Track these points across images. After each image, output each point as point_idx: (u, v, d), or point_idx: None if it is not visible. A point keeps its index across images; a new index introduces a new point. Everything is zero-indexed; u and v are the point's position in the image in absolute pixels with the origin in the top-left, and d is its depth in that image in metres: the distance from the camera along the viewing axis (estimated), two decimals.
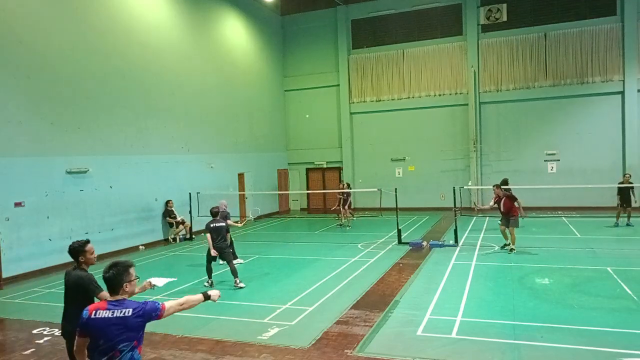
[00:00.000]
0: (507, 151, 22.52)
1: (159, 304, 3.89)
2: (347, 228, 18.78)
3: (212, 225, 10.53)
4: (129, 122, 15.60)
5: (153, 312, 3.86)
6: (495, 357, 6.26)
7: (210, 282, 10.56)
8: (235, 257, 12.37)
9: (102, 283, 4.07)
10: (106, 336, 3.67)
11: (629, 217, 16.29)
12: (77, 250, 4.98)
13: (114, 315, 3.70)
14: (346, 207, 19.19)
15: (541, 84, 21.98)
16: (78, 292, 4.92)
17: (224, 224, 10.71)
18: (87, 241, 5.09)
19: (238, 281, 10.27)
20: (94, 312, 3.71)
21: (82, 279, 4.93)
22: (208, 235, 10.43)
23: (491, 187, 14.23)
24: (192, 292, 10.17)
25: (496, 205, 13.20)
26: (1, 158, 11.72)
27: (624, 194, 16.04)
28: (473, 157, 22.67)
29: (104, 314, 3.70)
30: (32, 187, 12.35)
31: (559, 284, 9.65)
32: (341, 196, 19.33)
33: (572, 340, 6.66)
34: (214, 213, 10.81)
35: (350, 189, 21.00)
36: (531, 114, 22.13)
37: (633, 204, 16.07)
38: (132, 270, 3.84)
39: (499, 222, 13.44)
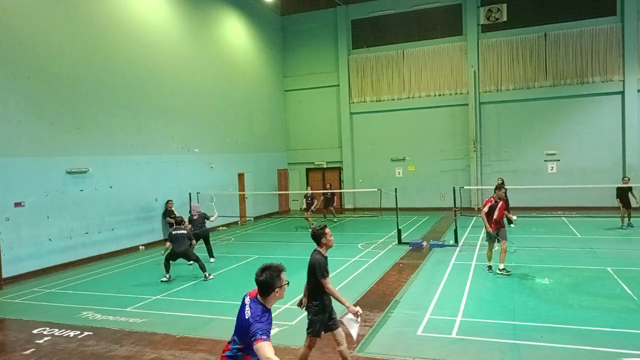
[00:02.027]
0: (507, 151, 22.52)
1: (260, 335, 3.52)
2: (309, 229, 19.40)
3: (174, 233, 11.02)
4: (129, 122, 15.60)
5: (251, 336, 3.55)
6: (495, 357, 6.25)
7: (168, 276, 11.03)
8: (212, 256, 13.14)
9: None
10: (235, 327, 3.83)
11: (629, 217, 16.23)
12: (319, 234, 5.62)
13: (244, 311, 3.73)
14: (330, 207, 20.32)
15: (541, 84, 21.98)
16: (311, 272, 5.59)
17: (185, 232, 11.19)
18: (325, 226, 5.74)
19: (207, 274, 11.02)
20: (246, 298, 3.85)
21: (314, 261, 5.55)
22: (168, 243, 10.99)
23: (493, 188, 14.05)
24: (191, 292, 10.20)
25: (487, 210, 10.74)
26: (1, 158, 11.72)
27: (624, 196, 15.98)
28: (473, 157, 22.67)
29: (245, 305, 3.77)
30: (32, 187, 12.36)
31: (559, 284, 9.65)
32: (323, 196, 20.48)
33: (572, 340, 6.66)
34: (178, 222, 11.35)
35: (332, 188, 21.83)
36: (531, 114, 22.13)
37: (633, 205, 16.06)
38: (283, 275, 3.77)
39: (486, 239, 11.02)
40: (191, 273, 11.80)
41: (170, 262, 11.15)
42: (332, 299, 5.63)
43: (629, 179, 16.81)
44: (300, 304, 5.99)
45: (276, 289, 3.71)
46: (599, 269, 10.65)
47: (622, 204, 15.95)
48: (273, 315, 8.75)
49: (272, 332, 7.71)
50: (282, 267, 3.79)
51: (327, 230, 5.71)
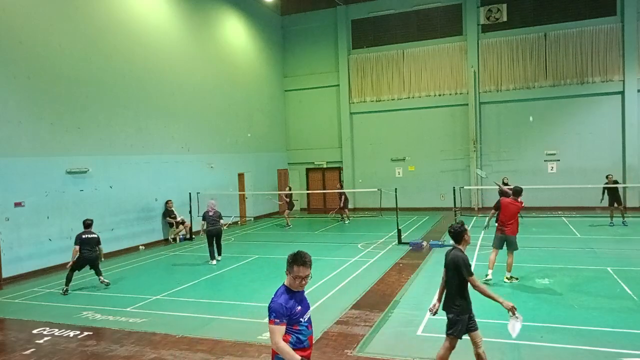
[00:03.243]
0: (507, 151, 22.52)
1: (271, 317, 3.77)
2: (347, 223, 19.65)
3: (83, 236, 10.49)
4: (129, 122, 15.60)
5: (270, 313, 3.80)
6: (495, 357, 6.25)
7: (66, 289, 10.28)
8: (220, 254, 13.20)
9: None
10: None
11: (622, 215, 16.82)
12: (461, 232, 5.53)
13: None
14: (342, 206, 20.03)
15: (541, 84, 21.99)
16: (454, 270, 5.41)
17: (95, 236, 10.70)
18: (463, 222, 5.72)
19: (102, 278, 10.62)
20: None
21: (459, 259, 5.40)
22: (76, 247, 10.32)
23: (495, 187, 13.99)
24: (191, 292, 10.20)
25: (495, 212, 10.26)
26: (1, 158, 11.72)
27: (612, 193, 16.60)
28: (473, 157, 22.67)
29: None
30: (32, 187, 12.35)
31: (559, 284, 9.65)
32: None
33: (572, 340, 6.66)
34: (87, 225, 10.77)
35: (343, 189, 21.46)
36: (531, 114, 22.11)
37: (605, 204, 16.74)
38: (295, 267, 3.84)
39: (493, 245, 10.08)
40: (191, 273, 11.80)
41: (75, 272, 10.41)
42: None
43: (613, 176, 17.34)
44: (432, 310, 5.71)
45: (287, 273, 3.88)
46: (599, 269, 10.65)
47: (610, 201, 16.59)
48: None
49: None
50: (300, 259, 3.84)
51: (467, 227, 5.64)
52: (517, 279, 9.85)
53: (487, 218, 10.73)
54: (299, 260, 3.81)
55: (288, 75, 26.01)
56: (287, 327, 3.79)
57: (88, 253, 10.41)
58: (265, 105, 24.24)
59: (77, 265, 10.44)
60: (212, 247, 12.94)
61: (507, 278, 9.79)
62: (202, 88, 19.28)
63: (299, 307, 3.85)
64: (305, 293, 4.10)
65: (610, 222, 16.67)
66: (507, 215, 9.78)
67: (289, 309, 3.78)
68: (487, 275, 9.76)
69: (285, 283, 3.92)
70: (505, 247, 9.86)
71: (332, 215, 21.61)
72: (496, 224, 10.19)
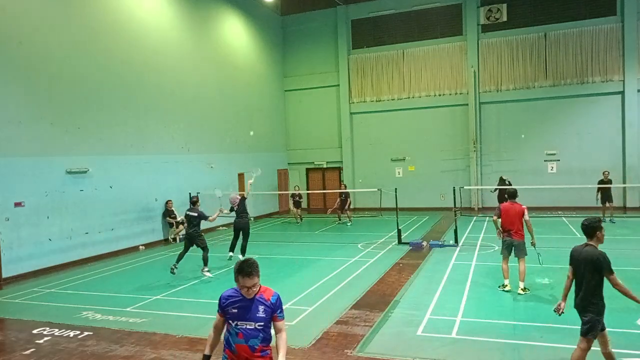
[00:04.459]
0: (507, 151, 22.52)
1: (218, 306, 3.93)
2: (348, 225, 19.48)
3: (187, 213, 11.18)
4: (129, 122, 15.59)
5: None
6: (495, 357, 6.26)
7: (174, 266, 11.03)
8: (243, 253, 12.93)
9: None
10: None
11: (611, 214, 17.55)
12: (596, 227, 5.22)
13: None
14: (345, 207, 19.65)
15: (541, 84, 21.99)
16: (592, 268, 5.10)
17: (195, 214, 11.24)
18: (600, 219, 5.35)
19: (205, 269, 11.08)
20: None
21: (598, 256, 5.09)
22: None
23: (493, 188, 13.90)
24: (191, 292, 10.20)
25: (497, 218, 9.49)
26: (1, 158, 11.72)
27: (604, 191, 17.29)
28: (473, 157, 22.67)
29: None
30: (32, 187, 12.35)
31: (559, 284, 9.63)
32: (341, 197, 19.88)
33: (572, 340, 6.61)
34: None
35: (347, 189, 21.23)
36: (531, 114, 22.13)
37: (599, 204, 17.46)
38: (240, 277, 3.75)
39: (501, 253, 9.66)
40: (191, 273, 11.79)
41: None
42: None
43: (609, 173, 17.99)
44: (558, 309, 5.47)
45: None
46: None
47: (602, 199, 17.44)
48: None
49: (273, 331, 7.73)
50: (244, 270, 3.73)
51: (603, 224, 5.34)
52: (528, 290, 9.20)
53: (497, 230, 9.63)
54: (243, 271, 3.72)
55: (288, 75, 26.01)
56: (226, 321, 3.85)
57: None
58: (265, 105, 24.24)
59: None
60: (236, 240, 12.88)
61: (521, 289, 9.07)
62: (202, 88, 19.28)
63: (235, 310, 3.77)
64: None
65: (603, 219, 16.92)
66: (508, 219, 9.21)
67: (224, 302, 3.83)
68: (505, 286, 9.27)
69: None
70: (513, 254, 9.31)
71: (339, 219, 20.63)
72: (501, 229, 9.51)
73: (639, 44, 20.54)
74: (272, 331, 3.91)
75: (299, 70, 25.77)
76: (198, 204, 11.75)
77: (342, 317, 8.07)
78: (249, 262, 3.76)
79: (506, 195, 9.94)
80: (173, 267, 11.13)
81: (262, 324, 3.80)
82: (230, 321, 3.79)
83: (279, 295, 3.96)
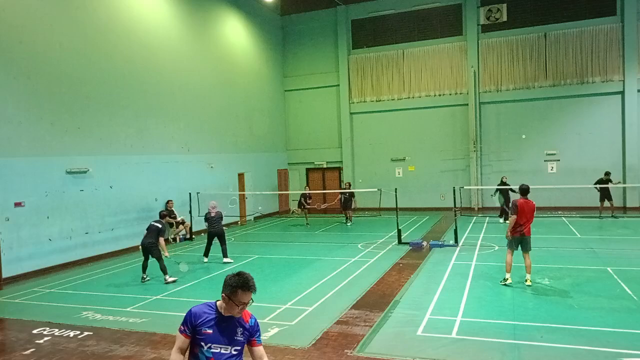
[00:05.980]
0: (507, 151, 22.51)
1: (182, 322, 3.35)
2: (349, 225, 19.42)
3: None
4: (129, 122, 15.59)
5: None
6: (495, 357, 6.25)
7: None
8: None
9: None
10: None
11: (612, 211, 18.34)
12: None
13: None
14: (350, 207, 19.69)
15: (541, 84, 21.99)
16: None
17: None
18: None
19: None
20: None
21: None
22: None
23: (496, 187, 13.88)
24: (191, 292, 10.20)
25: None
26: (1, 158, 11.71)
27: (604, 190, 18.11)
28: (473, 157, 22.67)
29: None
30: (32, 187, 12.35)
31: (559, 284, 9.65)
32: (343, 196, 19.85)
33: (572, 340, 6.66)
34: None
35: (351, 188, 21.15)
36: (531, 114, 22.13)
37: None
38: (240, 292, 3.29)
39: (508, 246, 9.64)
40: (191, 274, 11.80)
41: None
42: None
43: (610, 173, 18.67)
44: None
45: (226, 296, 3.28)
46: (599, 269, 10.65)
47: (602, 197, 18.21)
48: (273, 315, 8.75)
49: (273, 332, 7.73)
50: (247, 283, 3.26)
51: None
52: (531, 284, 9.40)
53: (509, 227, 9.47)
54: (245, 285, 3.22)
55: (288, 75, 26.01)
56: (192, 343, 3.30)
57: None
58: (265, 105, 24.24)
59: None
60: (210, 246, 12.99)
61: (530, 281, 9.35)
62: (202, 88, 19.28)
63: (209, 331, 3.26)
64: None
65: (600, 217, 18.01)
66: (524, 216, 9.26)
67: (196, 321, 3.28)
68: (506, 280, 9.45)
69: (217, 303, 3.38)
70: (520, 249, 9.43)
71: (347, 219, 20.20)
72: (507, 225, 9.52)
73: (639, 44, 20.55)
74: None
75: (299, 70, 25.77)
76: (167, 218, 11.84)
77: (342, 317, 8.07)
78: (249, 275, 3.31)
79: (517, 191, 10.23)
80: (142, 278, 11.12)
81: (238, 348, 3.34)
82: (202, 344, 3.26)
83: (256, 318, 3.51)
